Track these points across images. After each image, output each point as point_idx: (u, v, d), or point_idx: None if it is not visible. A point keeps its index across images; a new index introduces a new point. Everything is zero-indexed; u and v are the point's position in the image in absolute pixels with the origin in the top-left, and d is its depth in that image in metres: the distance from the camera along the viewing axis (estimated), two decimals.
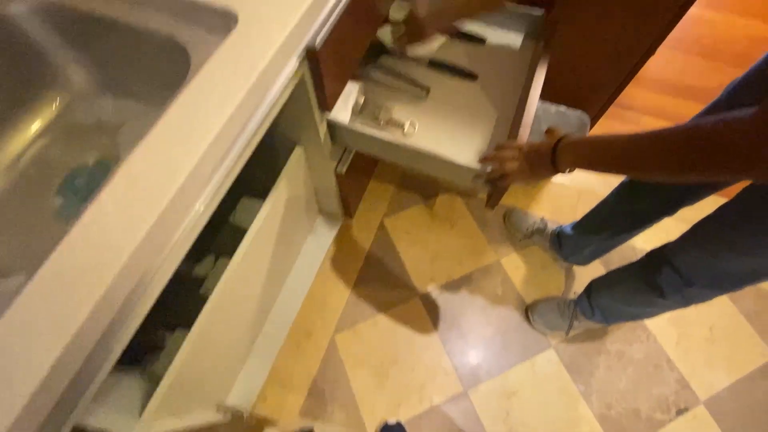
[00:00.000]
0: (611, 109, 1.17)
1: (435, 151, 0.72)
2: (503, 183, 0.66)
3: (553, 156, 0.57)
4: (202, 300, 0.62)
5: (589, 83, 1.10)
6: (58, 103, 0.63)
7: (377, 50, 0.94)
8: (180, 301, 0.61)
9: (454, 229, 1.30)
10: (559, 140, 0.57)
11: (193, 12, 0.50)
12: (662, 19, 0.88)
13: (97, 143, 0.64)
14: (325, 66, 0.60)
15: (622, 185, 0.94)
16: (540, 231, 1.21)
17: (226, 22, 0.49)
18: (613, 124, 1.49)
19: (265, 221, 0.76)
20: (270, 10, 0.49)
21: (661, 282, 0.74)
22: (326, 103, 0.67)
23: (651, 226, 0.92)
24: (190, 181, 0.40)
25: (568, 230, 1.11)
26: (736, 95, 0.66)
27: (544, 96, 1.17)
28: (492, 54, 0.94)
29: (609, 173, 0.51)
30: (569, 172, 0.57)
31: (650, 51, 0.95)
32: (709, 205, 0.70)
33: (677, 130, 0.43)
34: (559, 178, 1.38)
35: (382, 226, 1.30)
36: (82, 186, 0.60)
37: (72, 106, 0.64)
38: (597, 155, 0.52)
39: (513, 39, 0.95)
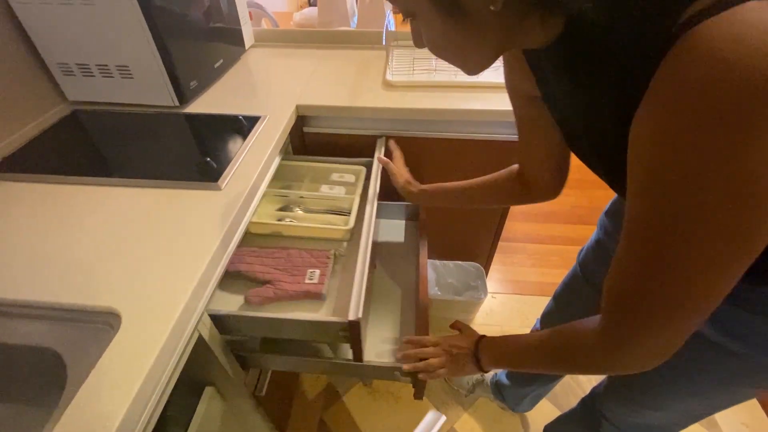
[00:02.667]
0: (500, 245, 1.35)
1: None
2: (428, 377, 0.66)
3: (476, 358, 0.60)
4: None
5: (472, 239, 1.28)
6: None
7: None
8: None
9: (399, 402, 1.23)
10: (479, 341, 0.61)
11: (72, 316, 0.50)
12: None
13: None
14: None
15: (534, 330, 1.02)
16: (480, 383, 1.20)
17: (108, 320, 0.50)
18: (505, 257, 1.70)
19: None
20: (155, 301, 0.51)
21: None
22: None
23: None
24: None
25: (505, 380, 1.13)
26: (586, 264, 0.81)
27: (442, 257, 1.33)
28: (382, 241, 1.06)
29: (526, 371, 0.56)
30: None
31: None
32: None
33: (555, 340, 0.49)
34: (480, 319, 1.45)
35: (322, 425, 1.18)
36: None
37: None
38: (511, 359, 0.56)
39: (398, 224, 1.11)
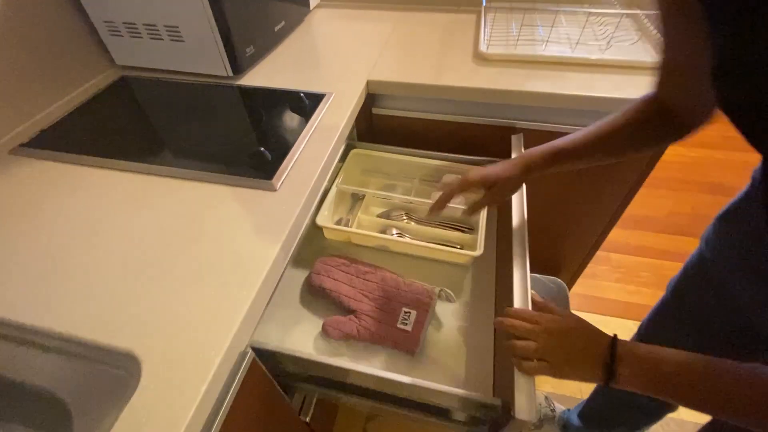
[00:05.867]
0: None
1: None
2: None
3: (609, 366, 0.40)
4: None
5: (560, 249, 1.08)
6: None
7: None
8: None
9: None
10: (614, 341, 0.41)
11: (85, 352, 0.40)
12: (637, 166, 0.81)
13: None
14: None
15: None
16: (549, 419, 1.04)
17: (126, 365, 0.39)
18: None
19: None
20: (188, 344, 0.39)
21: None
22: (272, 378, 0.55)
23: (663, 417, 0.79)
24: None
25: (576, 421, 0.95)
26: (681, 292, 0.62)
27: None
28: None
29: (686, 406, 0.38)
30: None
31: (624, 203, 0.89)
32: None
33: (754, 384, 0.34)
34: None
35: None
36: None
37: None
38: (665, 386, 0.38)
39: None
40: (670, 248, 1.54)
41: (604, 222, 0.94)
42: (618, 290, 1.41)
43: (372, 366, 0.53)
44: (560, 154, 0.54)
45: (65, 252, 0.48)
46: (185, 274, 0.45)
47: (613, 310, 1.36)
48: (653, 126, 0.49)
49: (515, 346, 0.43)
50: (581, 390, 1.15)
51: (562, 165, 0.55)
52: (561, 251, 1.07)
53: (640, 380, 0.39)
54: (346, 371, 0.51)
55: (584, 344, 0.42)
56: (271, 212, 0.52)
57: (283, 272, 0.51)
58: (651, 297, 1.41)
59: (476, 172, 0.56)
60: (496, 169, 0.56)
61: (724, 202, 0.52)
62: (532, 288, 1.12)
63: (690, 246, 0.59)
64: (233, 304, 0.42)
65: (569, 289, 1.12)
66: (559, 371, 0.42)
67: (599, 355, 0.40)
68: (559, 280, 1.10)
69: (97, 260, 0.47)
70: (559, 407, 1.06)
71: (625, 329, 1.32)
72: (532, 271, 1.11)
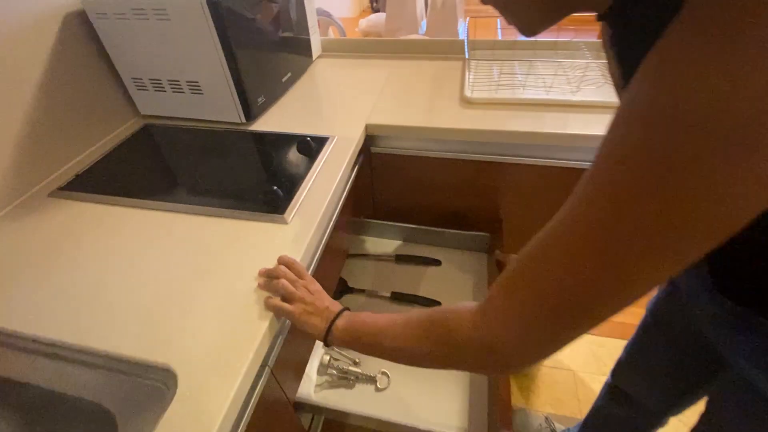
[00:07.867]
0: None
1: (408, 422, 0.64)
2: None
3: (332, 321, 0.49)
4: None
5: None
6: None
7: (340, 289, 0.94)
8: None
9: None
10: (345, 308, 0.51)
11: (126, 368, 0.45)
12: None
13: None
14: (281, 375, 0.55)
15: (607, 386, 0.87)
16: None
17: (163, 378, 0.44)
18: None
19: None
20: (216, 358, 0.45)
21: None
22: (287, 396, 0.60)
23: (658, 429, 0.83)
24: None
25: None
26: (658, 308, 0.69)
27: None
28: (448, 274, 0.96)
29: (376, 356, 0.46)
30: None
31: None
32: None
33: (429, 314, 0.42)
34: (548, 362, 1.30)
35: None
36: None
37: None
38: (372, 332, 0.46)
39: (464, 257, 1.00)
40: None
41: None
42: None
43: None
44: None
45: (104, 282, 0.54)
46: (211, 295, 0.51)
47: (608, 330, 1.40)
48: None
49: (281, 285, 0.51)
50: (581, 411, 1.17)
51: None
52: None
53: (350, 334, 0.48)
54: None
55: (327, 307, 0.51)
56: (284, 242, 0.59)
57: None
58: (637, 316, 1.45)
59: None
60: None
61: None
62: None
63: None
64: (255, 321, 0.48)
65: None
66: (299, 318, 0.50)
67: (330, 314, 0.50)
68: None
69: (133, 288, 0.53)
70: (560, 427, 1.09)
71: (614, 349, 1.35)
72: None
